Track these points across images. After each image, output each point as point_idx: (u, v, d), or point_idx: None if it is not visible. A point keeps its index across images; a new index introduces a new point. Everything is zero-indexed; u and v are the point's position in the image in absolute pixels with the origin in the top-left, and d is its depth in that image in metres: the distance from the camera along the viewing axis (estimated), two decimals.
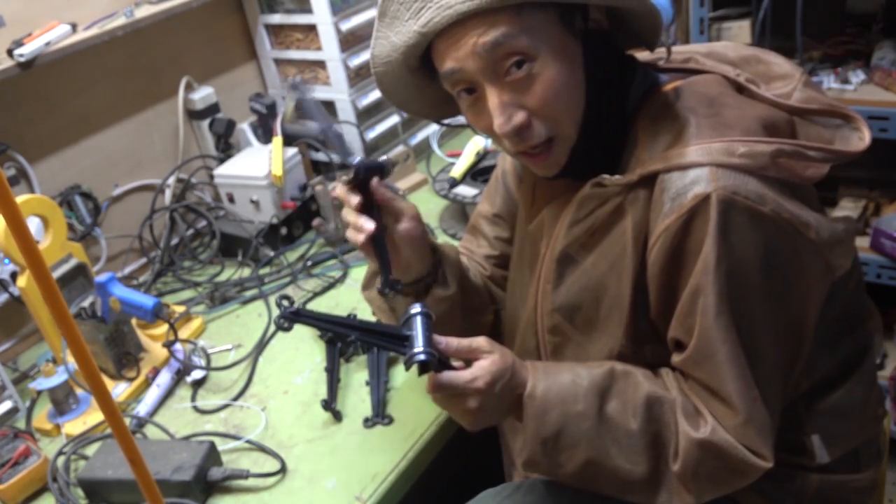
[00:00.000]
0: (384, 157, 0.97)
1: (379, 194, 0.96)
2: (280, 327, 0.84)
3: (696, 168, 0.80)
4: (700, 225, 0.79)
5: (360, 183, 0.95)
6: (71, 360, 1.30)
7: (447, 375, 0.83)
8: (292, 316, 0.84)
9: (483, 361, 0.85)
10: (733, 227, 0.78)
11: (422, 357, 0.81)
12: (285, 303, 0.85)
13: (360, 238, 0.95)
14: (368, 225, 0.94)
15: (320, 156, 1.85)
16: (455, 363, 0.86)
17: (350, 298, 1.47)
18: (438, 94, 0.93)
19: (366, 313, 1.26)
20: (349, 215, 0.96)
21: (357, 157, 0.96)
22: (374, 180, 0.96)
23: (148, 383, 1.33)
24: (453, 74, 0.84)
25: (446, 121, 1.03)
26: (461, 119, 0.95)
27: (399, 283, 0.98)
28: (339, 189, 0.97)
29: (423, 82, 0.93)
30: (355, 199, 0.94)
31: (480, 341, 0.87)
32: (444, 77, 0.85)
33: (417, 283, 1.03)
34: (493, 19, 0.79)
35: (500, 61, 0.81)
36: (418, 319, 0.85)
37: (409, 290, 1.03)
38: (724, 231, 0.78)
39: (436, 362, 0.82)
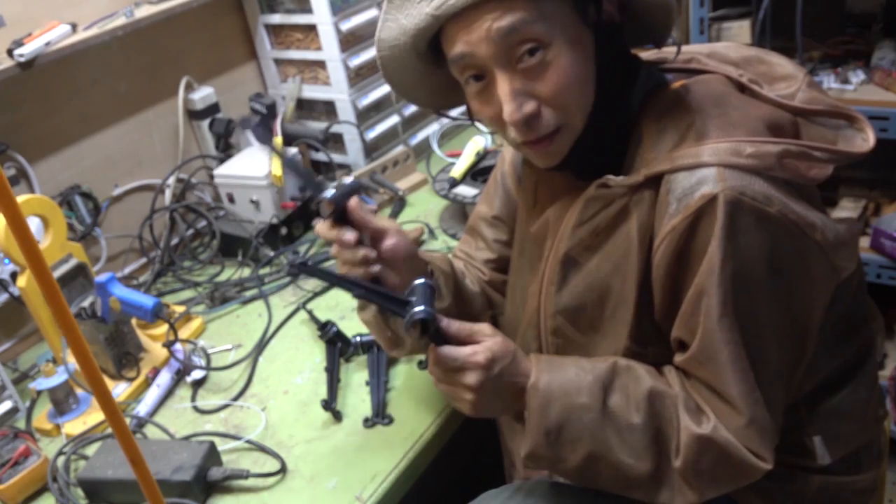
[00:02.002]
0: (350, 179, 0.96)
1: (359, 217, 0.94)
2: (289, 274, 0.87)
3: (703, 168, 0.79)
4: (706, 226, 0.79)
5: (340, 215, 0.94)
6: (71, 360, 1.30)
7: (447, 348, 0.84)
8: (300, 266, 0.87)
9: (485, 342, 0.85)
10: (740, 227, 0.78)
11: (421, 315, 0.82)
12: (295, 256, 0.87)
13: (369, 270, 0.94)
14: (371, 254, 0.94)
15: (320, 156, 1.85)
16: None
17: (349, 298, 1.46)
18: (443, 80, 0.92)
19: None
20: (346, 253, 0.94)
21: (328, 191, 0.93)
22: (353, 201, 0.94)
23: (148, 383, 1.33)
24: (463, 59, 0.83)
25: (448, 113, 1.03)
26: (462, 117, 0.95)
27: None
28: (323, 229, 0.95)
29: (428, 68, 0.91)
30: (350, 235, 0.92)
31: (483, 326, 0.87)
32: (453, 62, 0.84)
33: None
34: (510, 4, 0.78)
35: (514, 47, 0.80)
36: (422, 288, 0.86)
37: None
38: (730, 232, 0.78)
39: (436, 324, 0.83)
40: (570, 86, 0.82)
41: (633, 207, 0.85)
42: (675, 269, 0.82)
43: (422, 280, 0.87)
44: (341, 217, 0.94)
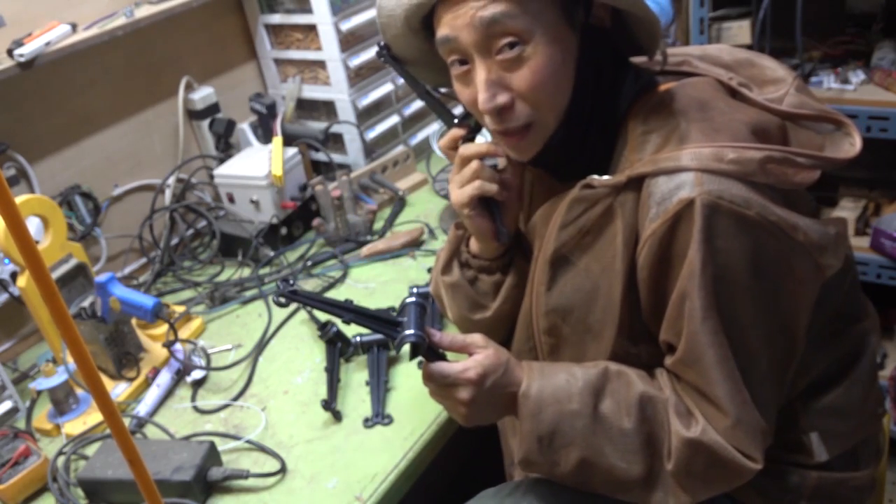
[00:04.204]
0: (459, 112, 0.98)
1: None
2: (278, 304, 0.89)
3: (684, 172, 0.80)
4: (685, 229, 0.79)
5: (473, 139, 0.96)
6: (71, 361, 1.30)
7: (439, 365, 0.86)
8: (290, 295, 0.88)
9: (477, 355, 0.87)
10: (718, 231, 0.78)
11: (412, 338, 0.84)
12: (284, 283, 0.88)
13: (495, 187, 0.94)
14: (505, 176, 0.95)
15: (320, 156, 1.85)
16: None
17: (350, 298, 1.47)
18: (436, 60, 0.93)
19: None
20: (487, 169, 0.94)
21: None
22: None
23: (148, 383, 1.33)
24: (448, 42, 0.85)
25: (442, 90, 1.04)
26: (453, 97, 0.96)
27: (507, 234, 0.98)
28: (471, 145, 0.95)
29: (422, 44, 0.94)
30: (501, 150, 0.93)
31: (475, 337, 0.89)
32: (440, 43, 0.87)
33: (503, 257, 1.03)
34: None
35: (495, 38, 0.82)
36: (412, 307, 0.88)
37: (495, 265, 1.03)
38: (708, 235, 0.78)
39: (425, 346, 0.85)
40: (544, 84, 0.83)
41: (618, 208, 0.86)
42: (658, 272, 0.83)
43: (412, 299, 0.88)
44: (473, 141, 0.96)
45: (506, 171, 0.96)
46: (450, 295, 1.07)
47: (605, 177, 0.87)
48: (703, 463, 0.83)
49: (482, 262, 1.03)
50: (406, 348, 0.86)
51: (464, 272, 1.04)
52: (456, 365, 0.86)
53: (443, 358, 0.87)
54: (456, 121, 0.97)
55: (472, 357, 0.87)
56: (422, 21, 0.90)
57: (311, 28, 1.78)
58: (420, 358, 0.87)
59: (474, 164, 0.94)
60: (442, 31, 0.85)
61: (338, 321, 1.32)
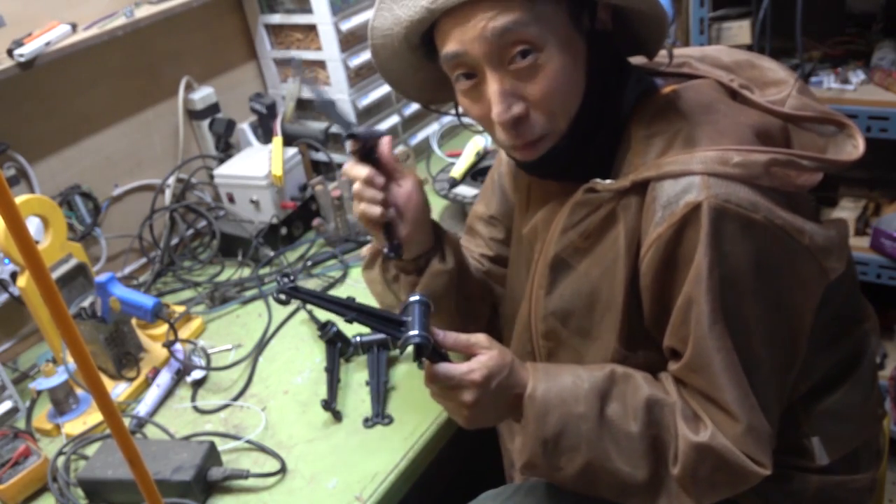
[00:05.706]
0: (374, 128, 0.97)
1: (386, 157, 0.95)
2: (278, 301, 0.87)
3: (689, 176, 0.79)
4: (692, 233, 0.79)
5: (367, 154, 0.95)
6: (71, 360, 1.30)
7: (444, 366, 0.84)
8: (291, 291, 0.85)
9: (481, 356, 0.85)
10: (726, 235, 0.78)
11: (417, 339, 0.82)
12: (285, 280, 0.86)
13: (386, 213, 0.94)
14: (391, 199, 0.95)
15: (320, 156, 1.85)
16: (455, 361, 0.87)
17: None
18: (433, 76, 0.92)
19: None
20: (369, 192, 0.94)
21: (358, 127, 0.96)
22: (382, 142, 0.95)
23: (148, 383, 1.33)
24: (456, 57, 0.82)
25: (433, 107, 1.04)
26: (450, 113, 0.96)
27: (401, 248, 0.98)
28: (350, 167, 0.95)
29: (419, 62, 0.91)
30: (380, 179, 0.94)
31: (479, 337, 0.87)
32: (446, 59, 0.84)
33: (419, 259, 1.03)
34: (506, 4, 0.78)
35: (507, 48, 0.80)
36: (416, 307, 0.86)
37: (411, 266, 1.03)
38: (716, 239, 0.78)
39: (430, 347, 0.83)
40: (559, 91, 0.82)
41: (621, 212, 0.85)
42: (663, 276, 0.82)
43: (416, 297, 0.86)
44: (367, 156, 0.95)
45: (389, 190, 0.97)
46: (371, 290, 1.10)
47: (609, 181, 0.86)
48: (710, 467, 0.82)
49: (400, 262, 1.03)
50: (410, 349, 0.84)
51: (387, 270, 1.05)
52: (461, 366, 0.84)
53: (446, 358, 0.86)
54: (350, 133, 0.95)
55: (476, 358, 0.85)
56: (421, 37, 0.87)
57: (311, 28, 1.78)
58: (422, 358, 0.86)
59: (356, 187, 0.95)
60: (449, 46, 0.82)
61: (338, 321, 1.32)
